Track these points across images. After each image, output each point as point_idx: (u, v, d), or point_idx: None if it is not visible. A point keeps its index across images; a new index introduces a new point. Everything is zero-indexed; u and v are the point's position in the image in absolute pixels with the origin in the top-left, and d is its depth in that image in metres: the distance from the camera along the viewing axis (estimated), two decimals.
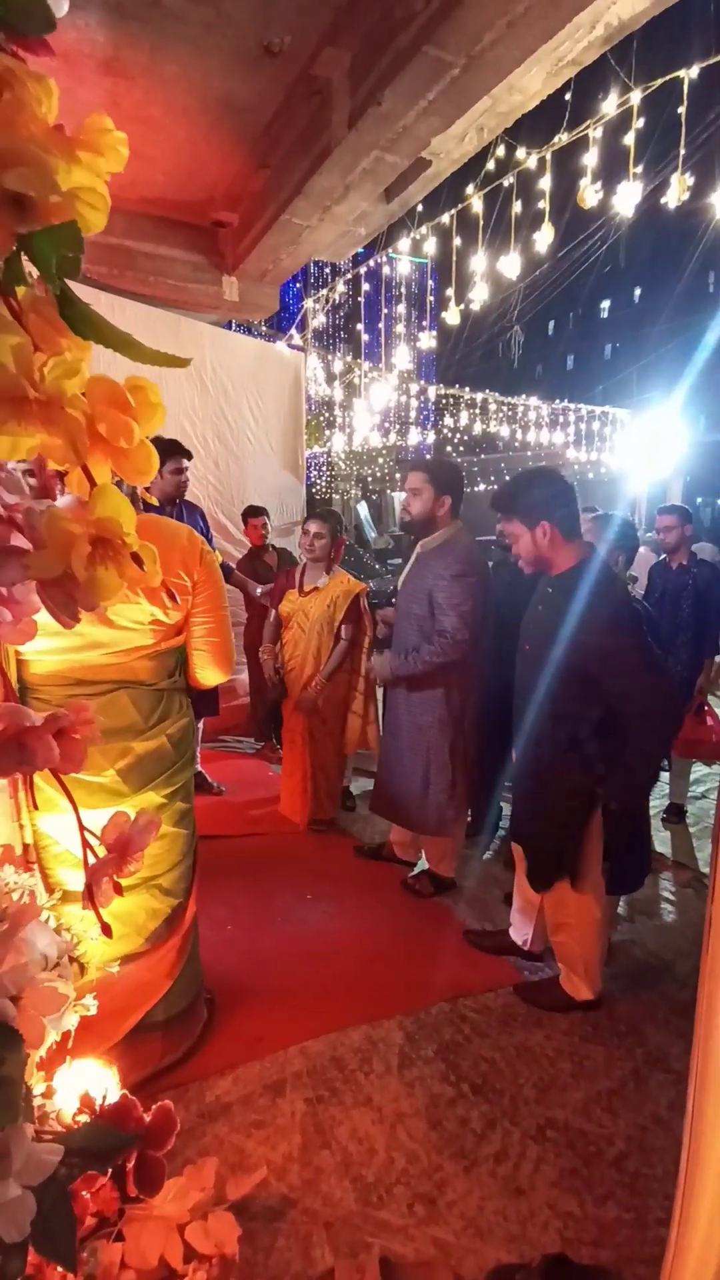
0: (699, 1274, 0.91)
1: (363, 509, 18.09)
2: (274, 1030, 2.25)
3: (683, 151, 3.41)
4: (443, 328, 6.16)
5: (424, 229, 4.90)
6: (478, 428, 13.21)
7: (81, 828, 0.87)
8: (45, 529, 0.63)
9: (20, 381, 0.57)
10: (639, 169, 3.50)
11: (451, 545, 2.93)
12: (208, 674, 2.00)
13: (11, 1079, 0.76)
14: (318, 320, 6.89)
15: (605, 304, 33.63)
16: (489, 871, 3.41)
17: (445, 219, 4.72)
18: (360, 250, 5.56)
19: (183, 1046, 2.08)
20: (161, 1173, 1.01)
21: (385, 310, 6.58)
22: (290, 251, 5.08)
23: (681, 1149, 0.96)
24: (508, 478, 2.68)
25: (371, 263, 6.05)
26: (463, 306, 4.76)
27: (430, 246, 4.92)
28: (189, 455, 3.82)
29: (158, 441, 0.70)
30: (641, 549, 5.28)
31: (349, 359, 9.10)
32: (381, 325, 6.88)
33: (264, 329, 7.24)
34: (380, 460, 19.22)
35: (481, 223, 4.20)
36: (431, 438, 17.48)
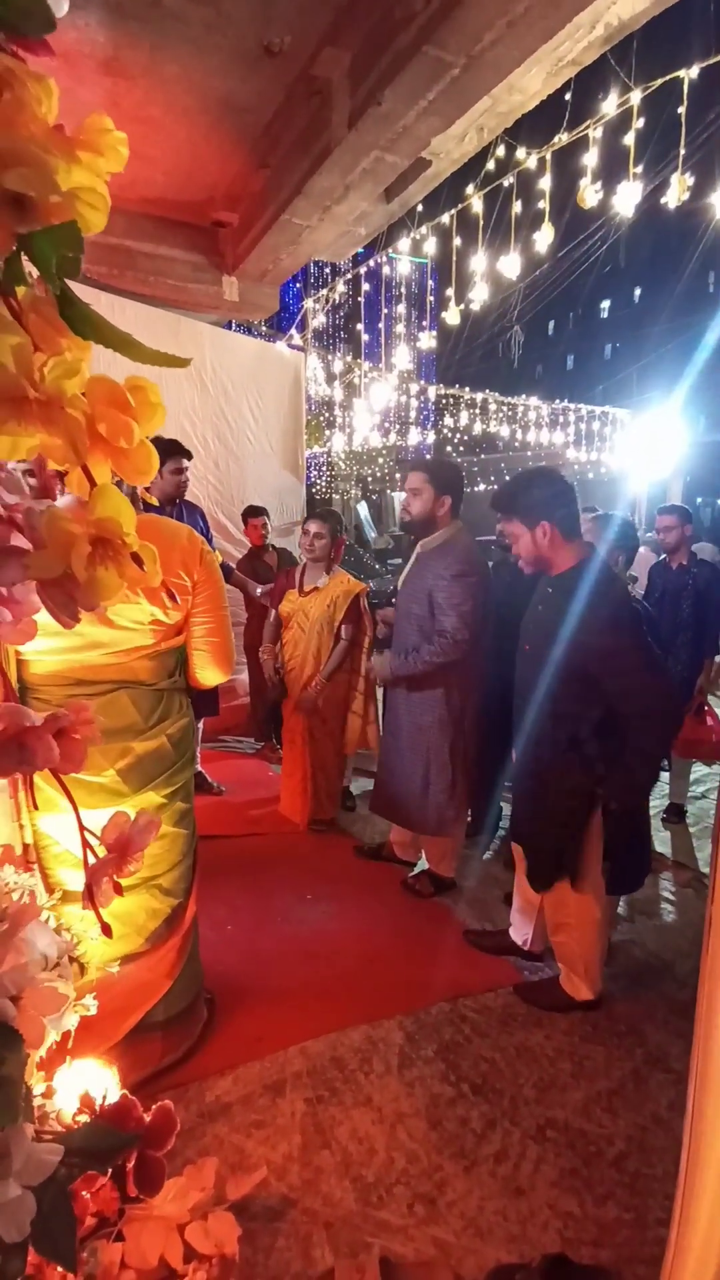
0: (699, 1274, 0.91)
1: (363, 509, 18.08)
2: (274, 1030, 2.25)
3: (683, 151, 3.41)
4: (443, 328, 6.16)
5: (424, 229, 4.90)
6: (478, 428, 13.21)
7: (81, 828, 0.87)
8: (45, 529, 0.63)
9: (20, 381, 0.57)
10: (639, 169, 3.50)
11: (451, 545, 2.93)
12: (208, 674, 2.00)
13: (11, 1079, 0.76)
14: (318, 320, 6.89)
15: (605, 304, 33.64)
16: (489, 871, 3.41)
17: (445, 219, 4.72)
18: (360, 250, 5.56)
19: (183, 1046, 2.08)
20: (161, 1173, 1.01)
21: (385, 310, 6.58)
22: (290, 251, 5.08)
23: (681, 1149, 0.96)
24: (508, 478, 2.68)
25: (371, 263, 6.05)
26: (463, 306, 4.76)
27: (430, 246, 4.92)
28: (189, 455, 3.82)
29: (157, 441, 0.70)
30: (642, 549, 5.28)
31: (349, 359, 9.10)
32: (381, 325, 6.89)
33: (264, 329, 7.24)
34: (380, 460, 19.22)
35: (481, 223, 4.20)
36: (431, 438, 17.48)
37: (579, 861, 2.24)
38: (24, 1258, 0.74)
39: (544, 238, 3.73)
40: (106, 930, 0.89)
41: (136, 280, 5.17)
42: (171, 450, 3.62)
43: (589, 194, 3.58)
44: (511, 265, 4.06)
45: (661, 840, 3.73)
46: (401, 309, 7.00)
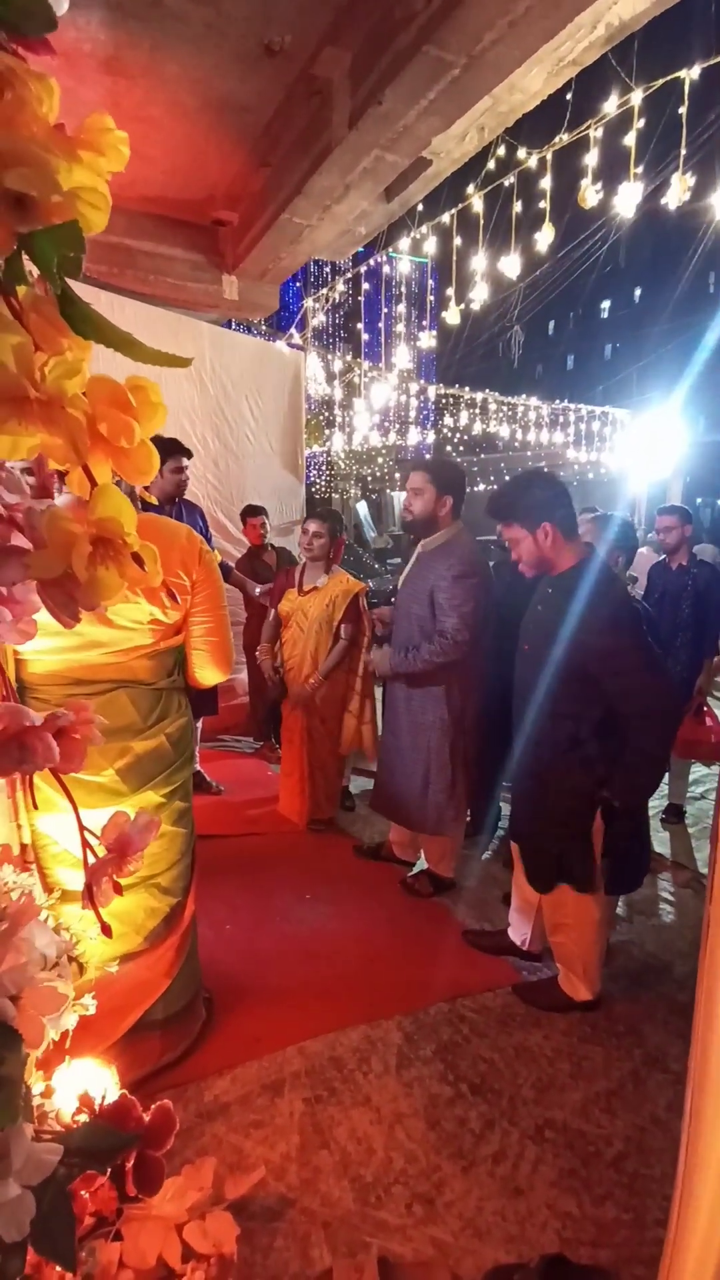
0: (697, 1274, 0.91)
1: (362, 508, 18.07)
2: (272, 1030, 2.25)
3: (683, 152, 3.41)
4: (443, 327, 6.16)
5: (424, 228, 4.90)
6: (477, 428, 13.21)
7: (81, 827, 0.87)
8: (46, 529, 0.63)
9: (21, 381, 0.57)
10: (639, 169, 3.50)
11: (453, 545, 2.93)
12: (207, 673, 2.00)
13: (11, 1078, 0.76)
14: (317, 319, 6.89)
15: (605, 304, 33.63)
16: (488, 871, 3.41)
17: (445, 219, 4.72)
18: (360, 249, 5.55)
19: (181, 1045, 2.08)
20: (160, 1172, 1.02)
21: (385, 310, 6.58)
22: (290, 251, 5.08)
23: (679, 1149, 0.96)
24: (507, 478, 2.68)
25: (371, 262, 6.05)
26: (463, 306, 4.76)
27: (430, 246, 4.92)
28: (189, 454, 3.82)
29: (157, 440, 0.70)
30: (644, 549, 5.28)
31: (349, 358, 9.10)
32: (381, 325, 6.89)
33: (264, 328, 7.24)
34: (380, 460, 19.20)
35: (482, 222, 4.20)
36: (431, 437, 17.48)
37: (581, 864, 2.24)
38: (23, 1257, 0.74)
39: (544, 237, 3.74)
40: (106, 930, 0.89)
41: (136, 279, 5.17)
42: (172, 449, 3.62)
43: (589, 194, 3.58)
44: (512, 265, 4.06)
45: (660, 840, 3.73)
46: (401, 308, 7.00)
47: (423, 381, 14.86)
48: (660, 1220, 1.61)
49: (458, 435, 15.15)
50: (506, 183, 4.13)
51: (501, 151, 4.27)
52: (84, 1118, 1.11)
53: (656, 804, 4.01)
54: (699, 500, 20.18)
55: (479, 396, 12.29)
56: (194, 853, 2.07)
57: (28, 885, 1.04)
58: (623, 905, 2.99)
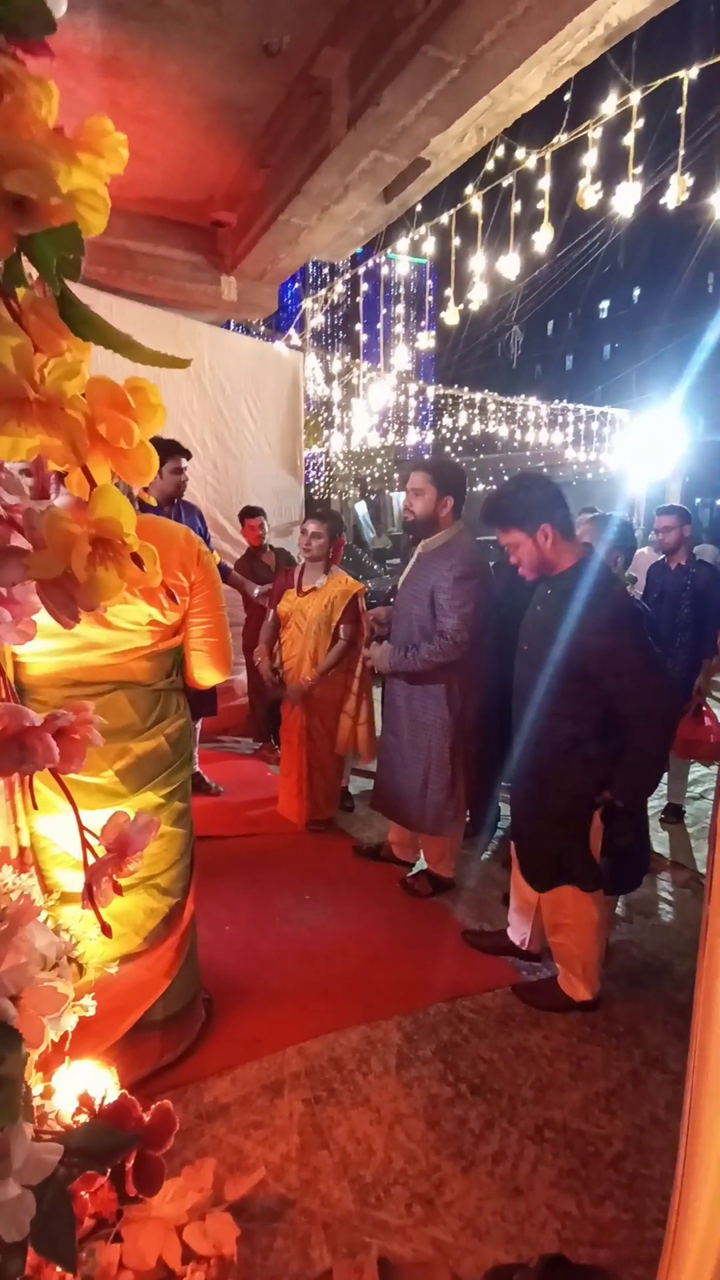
0: (696, 1274, 0.92)
1: (361, 509, 18.07)
2: (272, 1031, 2.25)
3: (682, 152, 3.41)
4: (441, 328, 6.17)
5: (423, 229, 4.90)
6: (476, 428, 13.20)
7: (81, 828, 0.87)
8: (46, 529, 0.64)
9: (21, 382, 0.58)
10: (638, 169, 3.50)
11: (453, 546, 2.94)
12: (205, 674, 2.01)
13: (11, 1078, 0.76)
14: (316, 320, 6.90)
15: (604, 304, 33.65)
16: (487, 871, 3.41)
17: (444, 219, 4.72)
18: (359, 250, 5.55)
19: (181, 1046, 2.08)
20: (161, 1172, 1.02)
21: (384, 310, 6.58)
22: (289, 251, 5.08)
23: (679, 1149, 0.96)
24: (506, 478, 2.67)
25: (370, 263, 6.05)
26: (462, 307, 4.75)
27: (429, 247, 4.92)
28: (188, 455, 3.82)
29: (156, 441, 0.71)
30: (643, 549, 5.28)
31: (347, 359, 9.10)
32: (380, 325, 6.89)
33: (262, 329, 7.24)
34: (379, 461, 19.20)
35: (481, 223, 4.20)
36: (430, 438, 17.47)
37: (581, 863, 2.24)
38: (23, 1257, 0.74)
39: (543, 238, 3.74)
40: (106, 930, 0.89)
41: (135, 280, 5.17)
42: (171, 450, 3.62)
43: (588, 194, 3.58)
44: (511, 265, 4.06)
45: (659, 840, 3.73)
46: (400, 309, 7.00)
47: (421, 382, 14.86)
48: (659, 1220, 1.62)
49: (456, 436, 15.15)
50: (505, 183, 4.13)
51: (500, 152, 4.28)
52: (84, 1118, 1.11)
53: (655, 804, 4.01)
54: (698, 500, 20.19)
55: (478, 397, 12.28)
56: (193, 853, 2.07)
57: (27, 886, 1.04)
58: (622, 905, 2.99)
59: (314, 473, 17.87)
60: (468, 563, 2.88)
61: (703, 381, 18.71)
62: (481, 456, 17.53)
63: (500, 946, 2.71)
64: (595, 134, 3.64)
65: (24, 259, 0.59)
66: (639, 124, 3.56)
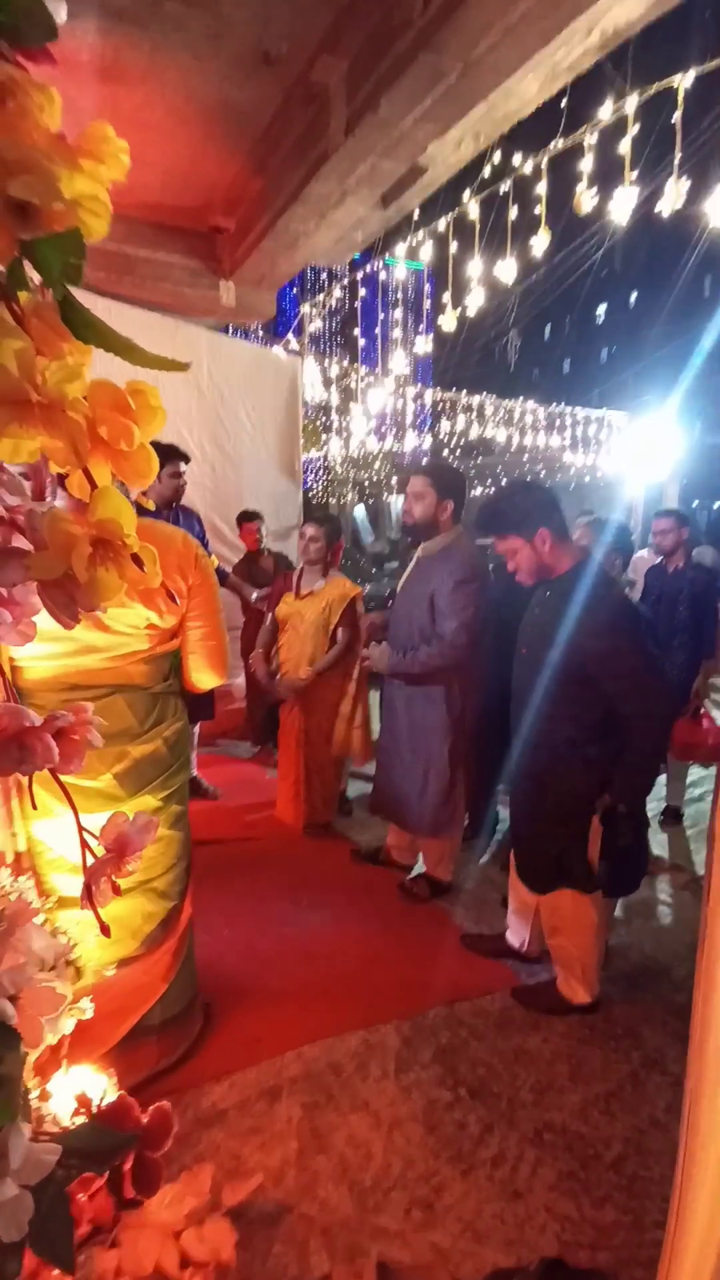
0: (696, 1276, 0.92)
1: (359, 513, 18.11)
2: (270, 1035, 2.24)
3: (678, 157, 3.42)
4: (439, 332, 6.19)
5: (420, 234, 4.92)
6: (474, 432, 13.22)
7: (80, 829, 0.87)
8: (46, 530, 0.64)
9: (23, 385, 0.58)
10: (635, 175, 3.52)
11: (453, 550, 2.94)
12: (203, 678, 2.01)
13: (10, 1077, 0.76)
14: (314, 325, 6.91)
15: (602, 308, 33.74)
16: (486, 875, 3.41)
17: (442, 225, 4.74)
18: (357, 255, 5.57)
19: (178, 1050, 2.08)
20: (159, 1173, 1.02)
21: (382, 315, 6.60)
22: (287, 257, 5.09)
23: (678, 1151, 0.97)
24: (504, 482, 2.68)
25: (368, 268, 6.07)
26: (459, 311, 4.77)
27: (427, 252, 4.94)
28: (187, 459, 3.82)
29: (155, 445, 0.71)
30: (642, 552, 5.29)
31: (345, 363, 9.11)
32: (378, 330, 6.91)
33: (261, 334, 7.26)
34: (377, 465, 19.22)
35: (478, 228, 4.22)
36: (428, 442, 17.50)
37: (580, 865, 2.24)
38: (21, 1258, 0.74)
39: (540, 243, 3.75)
40: (105, 930, 0.89)
41: (134, 285, 5.18)
42: (170, 454, 3.62)
43: (585, 200, 3.60)
44: (508, 270, 4.07)
45: (658, 843, 3.73)
46: (398, 314, 7.03)
47: (419, 386, 14.88)
48: (659, 1222, 1.61)
49: (454, 439, 15.16)
50: (502, 189, 4.15)
51: (497, 158, 4.30)
52: (82, 1119, 1.11)
53: (654, 806, 4.01)
54: (696, 503, 20.22)
55: (475, 400, 12.30)
56: (190, 857, 2.07)
57: (24, 889, 1.04)
58: (621, 908, 2.99)
59: (312, 477, 17.90)
60: (468, 567, 2.89)
61: (700, 384, 18.73)
62: (480, 460, 17.55)
63: (499, 949, 2.71)
64: (591, 140, 3.66)
65: (26, 263, 0.60)
66: (635, 129, 3.58)
